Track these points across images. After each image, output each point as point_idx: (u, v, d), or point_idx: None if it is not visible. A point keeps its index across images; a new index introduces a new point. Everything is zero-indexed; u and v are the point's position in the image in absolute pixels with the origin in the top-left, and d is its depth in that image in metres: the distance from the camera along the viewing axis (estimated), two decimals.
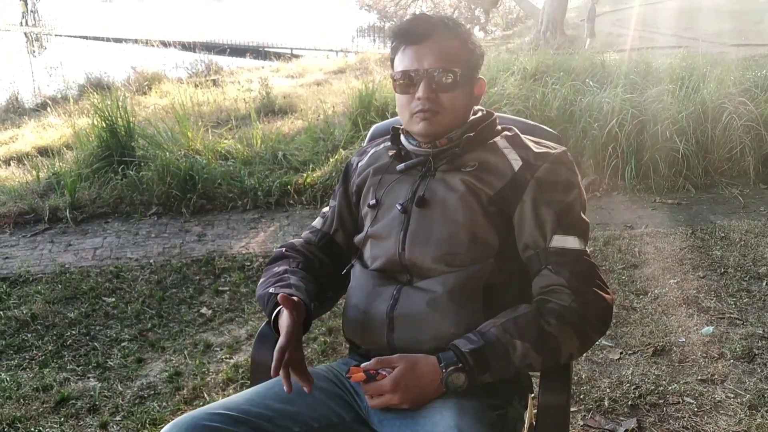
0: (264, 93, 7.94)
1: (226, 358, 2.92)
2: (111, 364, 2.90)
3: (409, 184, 1.44)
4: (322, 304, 1.53)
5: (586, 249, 1.36)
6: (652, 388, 2.57)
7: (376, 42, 26.48)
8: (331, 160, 5.21)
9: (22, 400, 2.64)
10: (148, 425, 2.46)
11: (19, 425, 2.48)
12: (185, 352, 2.96)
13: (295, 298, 1.31)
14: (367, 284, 1.43)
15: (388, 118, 5.40)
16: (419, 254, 1.37)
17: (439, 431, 1.16)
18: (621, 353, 2.83)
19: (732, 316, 3.10)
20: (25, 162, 5.84)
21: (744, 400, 2.48)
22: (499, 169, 1.38)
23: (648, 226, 4.27)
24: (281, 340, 1.23)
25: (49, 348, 3.02)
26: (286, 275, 1.44)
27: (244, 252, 4.02)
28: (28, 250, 4.13)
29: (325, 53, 18.39)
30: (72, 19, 26.31)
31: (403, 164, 1.45)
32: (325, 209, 1.64)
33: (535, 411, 1.32)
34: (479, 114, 1.48)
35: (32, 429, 2.46)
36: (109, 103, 5.27)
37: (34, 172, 5.24)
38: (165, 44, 13.78)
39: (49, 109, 8.06)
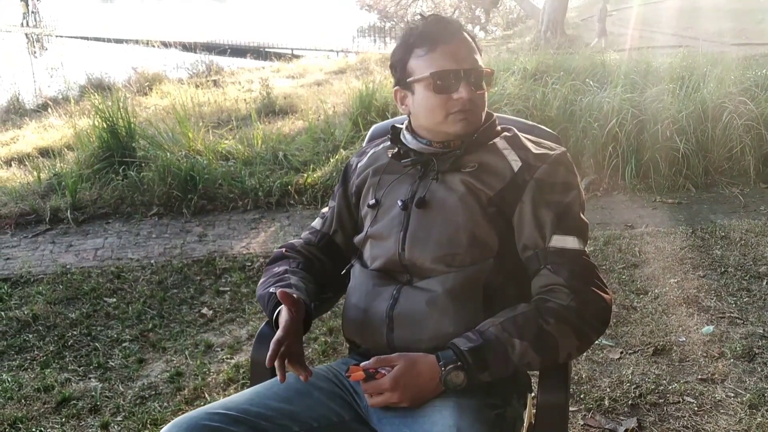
0: (264, 93, 7.95)
1: (227, 358, 2.92)
2: (112, 364, 2.91)
3: (409, 184, 1.44)
4: (322, 303, 1.54)
5: (585, 249, 1.37)
6: (653, 387, 2.57)
7: (376, 42, 26.49)
8: (331, 160, 5.21)
9: (23, 400, 2.64)
10: (149, 425, 2.47)
11: (20, 426, 2.48)
12: (186, 353, 2.97)
13: (294, 295, 1.32)
14: (367, 284, 1.43)
15: (388, 119, 5.43)
16: (419, 254, 1.38)
17: (438, 430, 1.17)
18: (621, 353, 2.83)
19: (732, 315, 3.10)
20: (26, 163, 5.85)
21: (744, 399, 2.48)
22: (498, 170, 1.38)
23: (648, 226, 4.28)
24: (278, 333, 1.24)
25: (51, 348, 3.02)
26: (286, 275, 1.44)
27: (244, 252, 4.02)
28: (30, 251, 4.14)
29: (325, 53, 18.40)
30: (73, 20, 26.33)
31: (408, 159, 1.45)
32: (325, 210, 1.64)
33: (534, 410, 1.32)
34: None
35: (33, 429, 2.47)
36: (109, 103, 5.28)
37: (35, 173, 5.25)
38: (166, 45, 13.79)
39: (50, 109, 8.07)
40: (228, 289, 3.56)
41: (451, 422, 1.17)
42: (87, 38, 23.52)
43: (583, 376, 2.66)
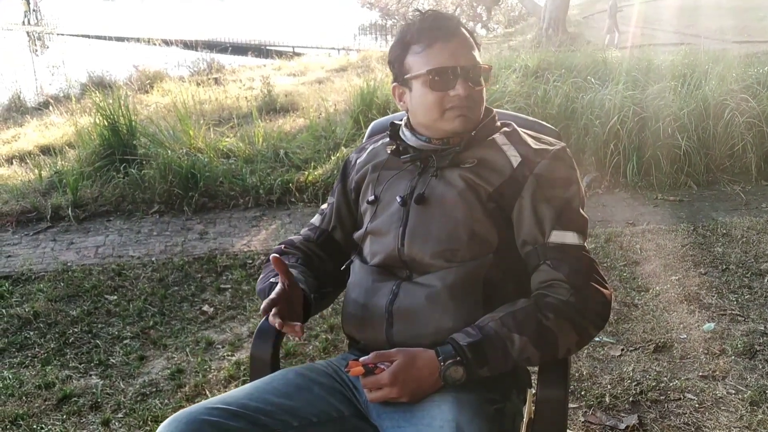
0: (266, 91, 7.95)
1: (227, 355, 2.93)
2: (113, 361, 2.91)
3: (408, 180, 1.44)
4: (322, 298, 1.54)
5: (585, 244, 1.36)
6: (653, 384, 2.57)
7: (377, 40, 26.47)
8: (332, 158, 5.21)
9: (24, 397, 2.65)
10: (150, 422, 2.47)
11: (21, 423, 2.49)
12: (187, 350, 2.97)
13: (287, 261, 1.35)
14: (367, 280, 1.43)
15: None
16: (418, 250, 1.37)
17: (437, 425, 1.17)
18: (622, 350, 2.83)
19: (733, 312, 3.10)
20: (28, 161, 5.86)
21: (745, 396, 2.48)
22: (498, 166, 1.38)
23: (649, 223, 4.27)
24: (270, 295, 1.27)
25: (52, 346, 3.02)
26: None
27: (245, 250, 4.02)
28: (31, 249, 4.14)
29: (326, 51, 18.39)
30: (74, 18, 26.34)
31: (408, 156, 1.45)
32: (324, 206, 1.64)
33: (534, 405, 1.32)
34: None
35: (35, 426, 2.47)
36: (111, 101, 5.28)
37: (36, 171, 5.25)
38: (167, 43, 13.78)
39: (51, 107, 8.08)
40: (229, 286, 3.56)
41: (450, 417, 1.17)
42: (88, 36, 23.52)
43: (584, 373, 2.66)
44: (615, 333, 2.96)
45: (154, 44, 13.47)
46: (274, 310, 1.24)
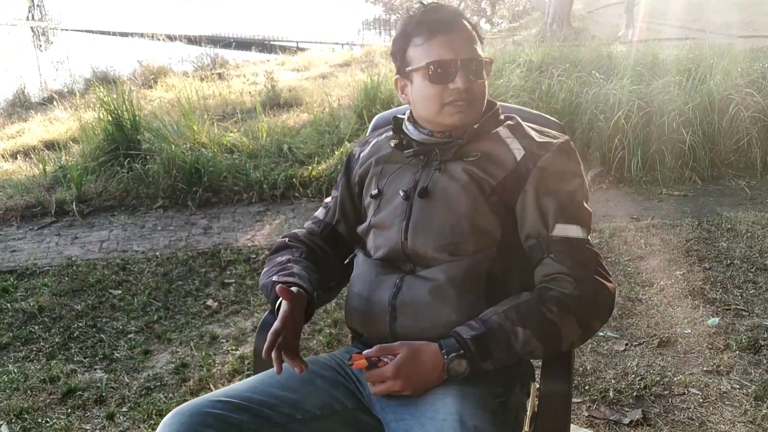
0: (269, 86, 7.94)
1: (231, 349, 2.93)
2: (117, 355, 2.92)
3: (411, 173, 1.44)
4: (326, 293, 1.54)
5: (589, 238, 1.36)
6: (657, 379, 2.57)
7: (381, 35, 26.41)
8: (336, 153, 5.21)
9: (29, 391, 2.66)
10: (154, 416, 2.48)
11: (26, 416, 2.50)
12: (191, 344, 2.98)
13: (294, 289, 1.32)
14: (370, 273, 1.43)
15: None
16: (422, 244, 1.37)
17: (440, 418, 1.16)
18: (626, 344, 2.82)
19: (738, 307, 3.09)
20: (32, 155, 5.86)
21: (749, 391, 2.47)
22: (501, 159, 1.37)
23: (654, 218, 4.26)
24: (276, 324, 1.24)
25: (56, 340, 3.03)
26: (288, 264, 1.44)
27: (249, 245, 4.03)
28: (35, 243, 4.15)
29: (330, 46, 18.35)
30: (78, 13, 26.34)
31: (411, 150, 1.44)
32: (328, 199, 1.64)
33: (537, 398, 1.32)
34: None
35: (39, 420, 2.48)
36: (115, 96, 5.29)
37: (40, 166, 5.27)
38: (171, 38, 13.78)
39: (55, 102, 8.08)
40: (233, 281, 3.56)
41: (453, 410, 1.17)
42: (92, 31, 23.52)
43: (588, 367, 2.66)
44: (619, 328, 2.95)
45: (158, 39, 13.48)
46: (279, 341, 1.22)
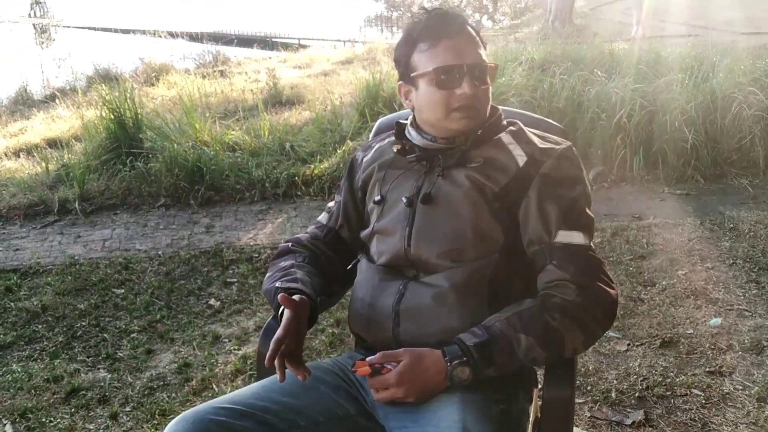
0: (271, 84, 7.93)
1: (234, 349, 2.94)
2: (121, 355, 2.93)
3: (414, 179, 1.44)
4: (329, 298, 1.54)
5: (591, 244, 1.36)
6: (660, 379, 2.57)
7: (383, 32, 26.38)
8: (338, 151, 5.21)
9: (33, 390, 2.67)
10: (157, 416, 2.49)
11: (30, 416, 2.51)
12: (194, 344, 2.98)
13: (296, 297, 1.32)
14: (374, 279, 1.44)
15: (395, 109, 5.40)
16: (425, 250, 1.38)
17: (443, 425, 1.17)
18: (628, 345, 2.82)
19: (740, 307, 3.09)
20: (35, 154, 5.87)
21: (752, 392, 2.47)
22: (503, 165, 1.38)
23: (656, 217, 4.26)
24: (278, 332, 1.25)
25: (60, 339, 3.04)
26: (292, 270, 1.45)
27: (252, 243, 4.03)
28: (38, 242, 4.16)
29: (332, 43, 18.33)
30: (79, 10, 26.33)
31: (414, 155, 1.44)
32: (331, 204, 1.64)
33: (540, 404, 1.32)
34: None
35: (43, 419, 2.49)
36: (117, 94, 5.29)
37: (43, 164, 5.27)
38: (172, 35, 13.76)
39: (57, 100, 8.08)
40: (235, 280, 3.57)
41: (456, 417, 1.18)
42: (94, 28, 23.52)
43: (590, 368, 2.66)
44: (621, 328, 2.95)
45: (160, 36, 13.45)
46: (282, 348, 1.23)
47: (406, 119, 1.51)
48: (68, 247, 4.06)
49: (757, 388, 2.49)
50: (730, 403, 2.43)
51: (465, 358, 1.24)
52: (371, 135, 1.74)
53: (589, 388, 2.54)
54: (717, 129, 5.11)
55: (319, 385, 1.37)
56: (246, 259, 3.79)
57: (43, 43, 19.31)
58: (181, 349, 2.96)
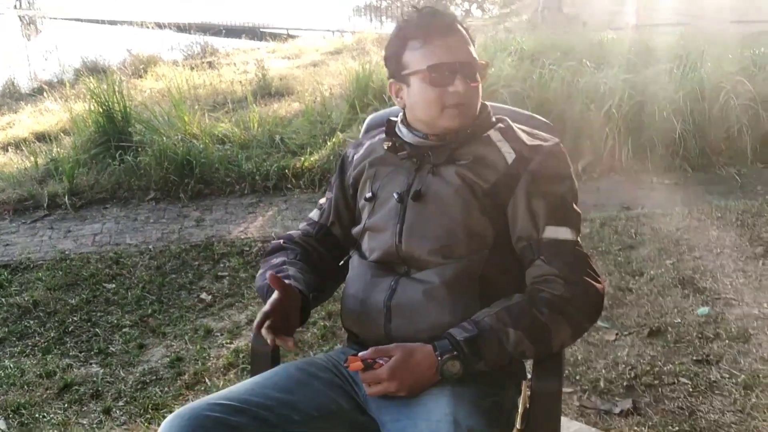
0: (260, 75, 7.90)
1: (226, 343, 2.95)
2: (113, 350, 2.94)
3: (405, 176, 1.45)
4: (321, 293, 1.56)
5: (578, 239, 1.39)
6: (648, 368, 2.60)
7: (372, 21, 26.28)
8: (328, 143, 5.20)
9: (26, 386, 2.68)
10: (150, 410, 2.50)
11: (23, 411, 2.52)
12: (186, 338, 2.99)
13: (286, 281, 1.35)
14: (365, 275, 1.45)
15: (385, 101, 5.40)
16: (416, 247, 1.40)
17: (435, 419, 1.19)
18: (617, 334, 2.86)
19: (728, 296, 3.12)
20: (23, 148, 5.84)
21: (739, 380, 2.50)
22: (492, 162, 1.40)
23: (645, 207, 4.29)
24: (265, 306, 1.29)
25: (52, 334, 3.05)
26: (284, 266, 1.46)
27: (242, 237, 4.04)
28: (28, 237, 4.15)
29: (321, 33, 18.25)
30: (66, 2, 26.08)
31: (404, 152, 1.46)
32: (322, 200, 1.66)
33: (529, 395, 1.35)
34: None
35: (36, 415, 2.50)
36: (105, 87, 5.26)
37: (32, 159, 5.25)
38: (160, 26, 13.67)
39: (45, 93, 8.02)
40: (226, 274, 3.58)
41: (447, 411, 1.20)
42: (81, 20, 23.31)
43: (579, 357, 2.69)
44: (609, 318, 2.98)
45: (147, 27, 13.36)
46: (267, 323, 1.26)
47: (396, 117, 1.53)
48: (58, 242, 4.06)
49: (743, 376, 2.52)
50: (717, 392, 2.46)
51: (455, 353, 1.26)
52: (362, 132, 1.75)
53: (578, 377, 2.57)
54: (705, 119, 5.14)
55: (312, 381, 1.39)
56: (237, 252, 3.80)
57: (29, 35, 19.13)
58: (173, 344, 2.97)
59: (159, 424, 1.27)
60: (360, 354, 1.30)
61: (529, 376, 1.43)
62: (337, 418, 1.36)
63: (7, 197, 4.62)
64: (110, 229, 4.24)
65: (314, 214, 1.65)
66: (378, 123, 1.70)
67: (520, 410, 1.31)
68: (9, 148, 6.08)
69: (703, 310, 3.01)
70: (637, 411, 2.38)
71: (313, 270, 1.51)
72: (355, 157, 1.57)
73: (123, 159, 4.87)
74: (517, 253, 1.39)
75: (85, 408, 2.56)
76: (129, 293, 3.39)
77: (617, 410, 2.38)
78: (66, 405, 2.56)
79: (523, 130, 1.46)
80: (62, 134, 6.01)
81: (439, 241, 1.38)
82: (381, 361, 1.28)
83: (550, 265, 1.33)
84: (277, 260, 1.51)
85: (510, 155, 1.40)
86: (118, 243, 4.02)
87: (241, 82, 8.02)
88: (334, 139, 5.21)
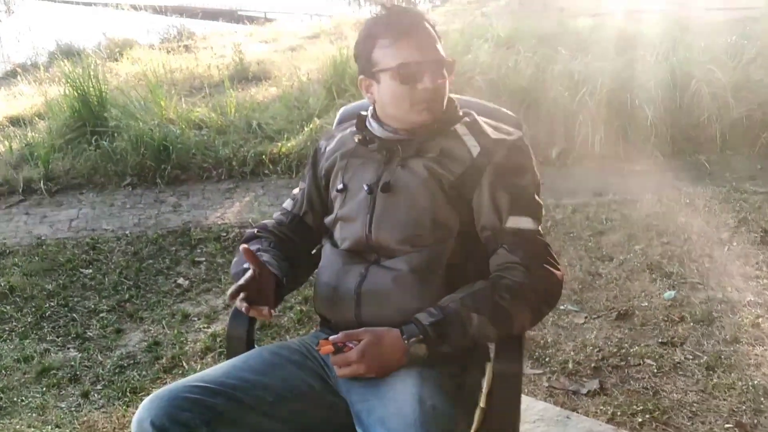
0: (237, 59, 7.85)
1: (203, 327, 2.99)
2: (90, 334, 2.96)
3: (374, 169, 1.51)
4: (295, 278, 1.61)
5: (539, 229, 1.45)
6: (615, 350, 2.68)
7: (350, 4, 26.11)
8: (305, 129, 5.21)
9: (3, 371, 2.70)
10: (128, 393, 2.54)
11: (2, 395, 2.54)
12: (163, 323, 3.03)
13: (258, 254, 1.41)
14: (337, 263, 1.51)
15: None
16: (385, 236, 1.45)
17: (401, 398, 1.25)
18: (586, 317, 2.93)
19: (694, 280, 3.20)
20: None
21: (702, 361, 2.59)
22: (458, 156, 1.45)
23: (616, 194, 4.36)
24: (239, 281, 1.34)
25: (29, 320, 3.07)
26: (258, 253, 1.50)
27: (219, 222, 4.06)
28: (3, 222, 4.14)
29: (299, 17, 18.11)
30: None
31: (374, 145, 1.51)
32: (295, 191, 1.70)
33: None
34: None
35: (15, 399, 2.53)
36: (80, 71, 5.22)
37: (6, 143, 5.21)
38: (136, 8, 13.50)
39: (19, 77, 7.91)
40: (203, 259, 3.61)
41: (413, 390, 1.26)
42: (54, 0, 22.90)
43: (549, 340, 2.77)
44: (579, 301, 3.06)
45: (123, 9, 13.18)
46: (242, 295, 1.31)
47: (366, 111, 1.57)
48: (34, 228, 4.05)
49: (706, 357, 2.61)
50: (680, 372, 2.55)
51: (421, 336, 1.32)
52: (335, 123, 1.80)
53: (547, 359, 2.65)
54: (676, 107, 5.22)
55: (285, 364, 1.44)
56: (214, 238, 3.83)
57: (2, 16, 18.76)
58: (150, 328, 3.00)
59: (137, 407, 1.32)
60: (331, 338, 1.35)
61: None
62: (310, 399, 1.42)
63: None
64: (86, 214, 4.24)
65: (287, 204, 1.69)
66: (351, 115, 1.74)
67: (484, 390, 1.38)
68: None
69: (669, 294, 3.09)
70: (603, 391, 2.46)
71: (286, 257, 1.56)
72: (327, 149, 1.62)
73: (99, 144, 4.85)
74: (481, 241, 1.45)
75: (64, 392, 2.59)
76: (106, 279, 3.41)
77: (584, 391, 2.46)
78: (44, 389, 2.59)
79: (489, 124, 1.52)
80: (37, 118, 5.95)
81: (407, 230, 1.44)
82: (351, 345, 1.34)
83: (512, 254, 1.39)
84: (252, 248, 1.55)
85: (475, 148, 1.45)
86: (95, 228, 4.03)
87: (218, 66, 7.96)
88: (311, 125, 5.22)
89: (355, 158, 1.54)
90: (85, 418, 2.43)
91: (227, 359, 1.50)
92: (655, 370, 2.56)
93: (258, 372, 1.40)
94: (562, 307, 2.99)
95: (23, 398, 2.54)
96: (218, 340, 2.85)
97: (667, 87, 5.25)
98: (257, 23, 14.15)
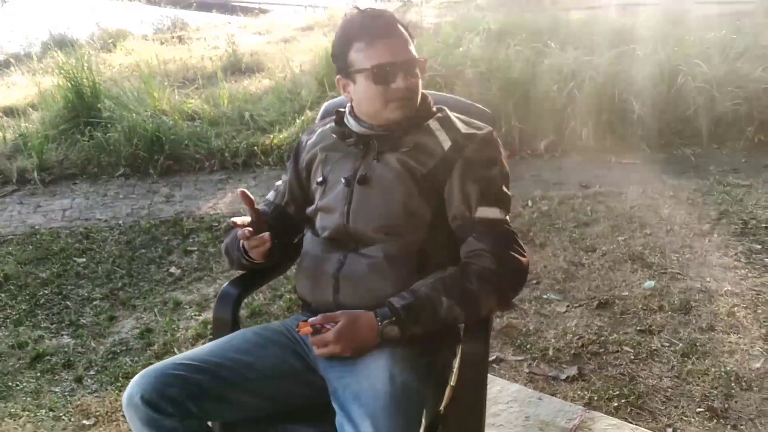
0: (230, 51, 7.88)
1: (195, 315, 3.06)
2: (84, 321, 3.03)
3: (352, 162, 1.59)
4: (280, 262, 1.69)
5: (507, 218, 1.54)
6: (594, 338, 2.76)
7: None
8: (297, 120, 5.27)
9: None
10: (121, 378, 2.61)
11: None
12: (155, 310, 3.09)
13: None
14: (318, 250, 1.60)
15: None
16: (362, 226, 1.54)
17: (374, 375, 1.34)
18: (567, 306, 3.01)
19: (674, 271, 3.28)
20: None
21: (677, 348, 2.67)
22: (431, 150, 1.54)
23: (602, 186, 4.43)
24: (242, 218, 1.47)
25: (23, 307, 3.13)
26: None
27: (212, 213, 4.12)
28: None
29: (293, 8, 18.07)
30: None
31: (352, 140, 1.59)
32: (278, 183, 1.79)
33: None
34: None
35: (9, 384, 2.59)
36: (73, 62, 5.26)
37: (0, 133, 5.25)
38: None
39: (12, 67, 7.93)
40: (195, 248, 3.67)
41: (385, 368, 1.35)
42: None
43: (531, 327, 2.85)
44: (562, 290, 3.14)
45: (117, 0, 13.15)
46: (242, 222, 1.45)
47: (345, 107, 1.66)
48: (28, 217, 4.11)
49: (681, 344, 2.69)
50: (656, 359, 2.63)
51: (394, 318, 1.41)
52: (318, 117, 1.87)
53: (528, 346, 2.73)
54: (663, 100, 5.28)
55: (267, 344, 1.54)
56: (206, 228, 3.89)
57: None
58: (142, 316, 3.07)
59: None
60: (310, 320, 1.45)
61: None
62: (290, 377, 1.51)
63: None
64: (80, 204, 4.30)
65: (270, 195, 1.78)
66: (333, 110, 1.82)
67: (454, 370, 1.46)
68: None
69: (649, 283, 3.17)
70: (582, 377, 2.54)
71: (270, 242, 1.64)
72: (308, 143, 1.71)
73: (92, 135, 4.90)
74: (452, 230, 1.53)
75: (57, 377, 2.65)
76: (99, 267, 3.47)
77: (563, 376, 2.54)
78: (38, 374, 2.66)
79: (460, 119, 1.61)
80: (30, 109, 5.99)
81: (382, 220, 1.52)
82: (328, 326, 1.43)
83: (480, 242, 1.47)
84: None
85: (446, 143, 1.54)
86: (88, 218, 4.09)
87: (211, 57, 7.99)
88: (303, 117, 5.28)
89: (334, 152, 1.63)
90: (79, 402, 2.50)
91: (213, 340, 1.59)
92: (632, 357, 2.64)
93: (241, 351, 1.49)
94: (545, 296, 3.07)
95: (18, 383, 2.60)
96: (209, 327, 2.91)
97: (655, 81, 5.32)
98: (251, 14, 14.14)
